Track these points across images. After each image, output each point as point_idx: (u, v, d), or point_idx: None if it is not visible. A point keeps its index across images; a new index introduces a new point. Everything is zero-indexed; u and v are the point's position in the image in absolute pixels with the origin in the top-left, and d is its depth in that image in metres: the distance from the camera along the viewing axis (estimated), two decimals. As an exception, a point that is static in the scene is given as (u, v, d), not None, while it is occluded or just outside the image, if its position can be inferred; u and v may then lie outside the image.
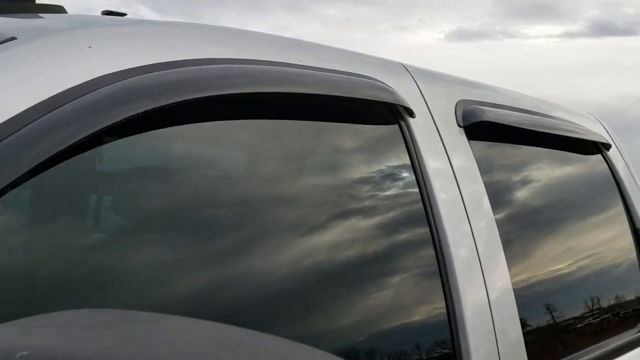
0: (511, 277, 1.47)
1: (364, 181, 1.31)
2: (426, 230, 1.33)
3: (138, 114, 0.84)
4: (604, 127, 2.24)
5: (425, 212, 1.34)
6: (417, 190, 1.35)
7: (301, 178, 1.22)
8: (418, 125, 1.39)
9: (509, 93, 1.85)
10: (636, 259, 2.11)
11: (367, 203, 1.29)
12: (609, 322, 1.87)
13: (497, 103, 1.68)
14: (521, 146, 1.77)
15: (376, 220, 1.29)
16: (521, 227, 1.68)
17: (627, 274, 2.08)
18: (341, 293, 1.19)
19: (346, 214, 1.25)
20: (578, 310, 1.78)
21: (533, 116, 1.79)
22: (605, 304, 1.88)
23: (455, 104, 1.53)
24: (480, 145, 1.56)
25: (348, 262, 1.22)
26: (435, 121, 1.44)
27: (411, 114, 1.37)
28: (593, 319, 1.82)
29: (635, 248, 2.12)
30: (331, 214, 1.23)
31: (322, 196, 1.24)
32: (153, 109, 0.86)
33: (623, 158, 2.24)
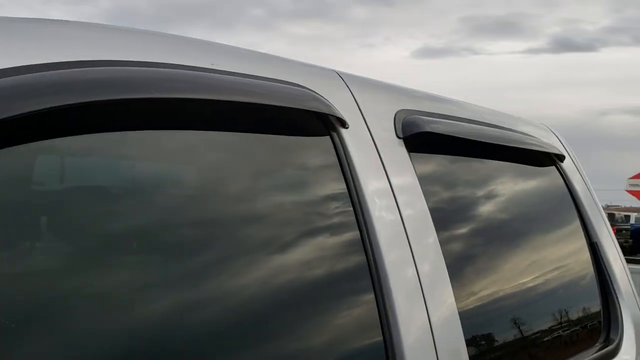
0: (457, 299, 1.38)
1: (290, 201, 1.20)
2: (362, 253, 1.23)
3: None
4: (558, 137, 2.17)
5: (360, 232, 1.23)
6: (351, 209, 1.24)
7: (221, 197, 1.10)
8: (352, 136, 1.28)
9: (455, 102, 1.76)
10: (593, 273, 2.03)
11: (295, 224, 1.18)
12: (563, 342, 1.78)
13: (441, 113, 1.58)
14: (467, 159, 1.67)
15: (306, 241, 1.18)
16: (468, 246, 1.58)
17: (582, 290, 1.99)
18: (269, 324, 1.07)
19: (272, 237, 1.13)
20: (529, 330, 1.68)
21: (480, 127, 1.69)
22: (558, 322, 1.79)
23: (394, 114, 1.43)
24: (423, 158, 1.47)
25: (276, 290, 1.11)
26: (372, 132, 1.34)
27: (344, 124, 1.27)
28: (545, 339, 1.73)
29: (592, 262, 2.05)
30: (257, 237, 1.11)
31: (247, 217, 1.12)
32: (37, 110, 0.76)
33: (578, 169, 2.16)
